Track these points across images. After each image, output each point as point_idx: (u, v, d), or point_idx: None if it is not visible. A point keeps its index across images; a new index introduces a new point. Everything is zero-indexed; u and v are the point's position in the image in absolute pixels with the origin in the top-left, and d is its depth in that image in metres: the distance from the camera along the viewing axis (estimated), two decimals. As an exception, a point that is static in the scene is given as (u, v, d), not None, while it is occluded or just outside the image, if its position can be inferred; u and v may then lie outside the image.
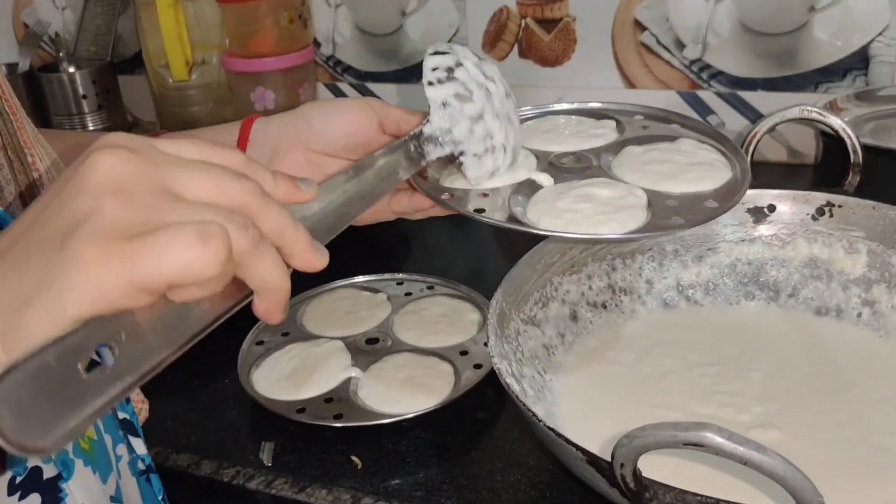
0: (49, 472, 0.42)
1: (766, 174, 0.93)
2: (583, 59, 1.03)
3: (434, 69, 0.53)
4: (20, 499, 0.40)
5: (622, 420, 0.52)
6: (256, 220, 0.33)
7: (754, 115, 0.98)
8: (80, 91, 1.19)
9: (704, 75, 0.99)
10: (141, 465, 0.52)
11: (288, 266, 0.35)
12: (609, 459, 0.39)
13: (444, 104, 0.52)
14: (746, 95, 0.98)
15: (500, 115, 0.54)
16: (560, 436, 0.42)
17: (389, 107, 0.57)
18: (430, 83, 0.53)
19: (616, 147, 0.60)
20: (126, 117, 1.29)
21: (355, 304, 0.72)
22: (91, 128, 1.22)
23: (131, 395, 0.58)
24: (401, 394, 0.60)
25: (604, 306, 0.66)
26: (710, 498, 0.37)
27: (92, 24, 1.27)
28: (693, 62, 0.98)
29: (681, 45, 0.98)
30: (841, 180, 0.69)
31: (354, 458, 0.57)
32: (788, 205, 0.66)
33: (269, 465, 0.57)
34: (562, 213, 0.52)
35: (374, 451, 0.58)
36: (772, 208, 0.66)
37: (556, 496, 0.53)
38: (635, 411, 0.56)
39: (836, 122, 0.66)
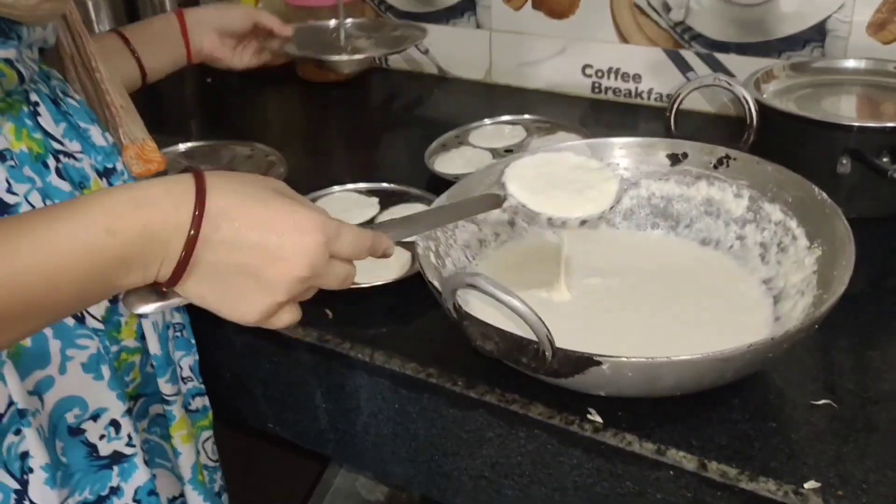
0: None
1: (697, 121, 1.11)
2: (585, 14, 1.18)
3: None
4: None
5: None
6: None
7: (727, 74, 1.12)
8: (167, 6, 1.41)
9: (686, 36, 1.13)
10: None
11: None
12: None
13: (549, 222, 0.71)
14: (721, 57, 1.12)
15: None
16: (428, 280, 0.63)
17: (266, 15, 1.04)
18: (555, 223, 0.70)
19: None
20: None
21: (350, 205, 0.92)
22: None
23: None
24: (369, 270, 0.81)
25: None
26: (490, 324, 0.58)
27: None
28: (677, 24, 1.13)
29: (667, 8, 1.12)
30: (743, 135, 0.84)
31: (327, 311, 0.78)
32: (698, 153, 0.82)
33: (267, 310, 0.79)
34: None
35: (342, 308, 0.79)
36: (685, 155, 0.83)
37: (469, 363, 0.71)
38: (520, 288, 0.73)
39: (739, 90, 0.82)
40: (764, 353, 0.58)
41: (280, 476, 1.21)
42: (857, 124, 0.81)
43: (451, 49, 1.32)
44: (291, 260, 0.50)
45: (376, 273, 0.80)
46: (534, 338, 0.56)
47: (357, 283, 0.79)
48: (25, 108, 0.63)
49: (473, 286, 0.55)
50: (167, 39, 0.98)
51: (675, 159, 0.82)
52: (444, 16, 1.30)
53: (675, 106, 0.87)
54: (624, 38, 1.17)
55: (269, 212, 0.50)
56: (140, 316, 0.67)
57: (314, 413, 0.80)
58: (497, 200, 0.70)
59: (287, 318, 0.53)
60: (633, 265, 0.78)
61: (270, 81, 1.37)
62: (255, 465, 1.18)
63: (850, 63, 0.98)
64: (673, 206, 0.82)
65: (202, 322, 0.80)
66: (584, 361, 0.56)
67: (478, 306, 0.66)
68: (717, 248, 0.79)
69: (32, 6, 0.57)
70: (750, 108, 0.81)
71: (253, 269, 0.50)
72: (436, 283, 0.64)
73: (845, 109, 0.91)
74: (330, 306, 0.79)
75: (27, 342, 0.61)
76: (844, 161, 0.83)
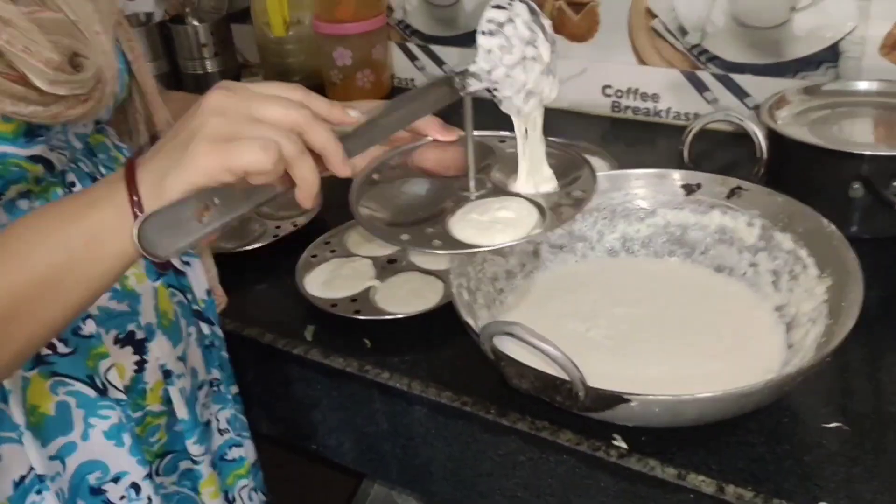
0: (139, 335, 0.68)
1: (715, 140, 1.13)
2: (604, 37, 1.22)
3: (489, 21, 0.63)
4: (121, 348, 0.67)
5: (537, 324, 0.64)
6: (305, 136, 0.52)
7: (742, 95, 1.16)
8: (202, 40, 1.47)
9: (703, 58, 1.17)
10: (206, 341, 0.78)
11: (327, 171, 0.54)
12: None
13: (489, 51, 0.63)
14: (737, 77, 1.15)
15: (535, 66, 0.64)
16: (464, 320, 0.68)
17: None
18: (483, 32, 0.63)
19: None
20: (237, 59, 1.56)
21: (385, 233, 0.97)
22: (209, 70, 1.50)
23: (214, 278, 0.84)
24: (404, 300, 0.86)
25: (561, 248, 0.89)
26: (527, 365, 0.62)
27: (213, -19, 1.54)
28: (693, 47, 1.17)
29: (684, 32, 1.16)
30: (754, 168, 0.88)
31: (366, 340, 0.84)
32: (711, 184, 0.85)
33: (310, 340, 0.85)
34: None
35: (380, 337, 0.84)
36: (699, 186, 0.86)
37: (501, 391, 0.77)
38: (549, 319, 0.79)
39: (749, 125, 0.85)
40: (780, 387, 0.62)
41: (320, 487, 1.27)
42: (867, 153, 0.85)
43: (474, 71, 1.36)
44: (200, 108, 0.51)
45: (412, 304, 0.85)
46: (567, 378, 0.60)
47: (394, 314, 0.84)
48: (59, 191, 0.63)
49: (511, 334, 0.59)
50: None
51: (689, 189, 0.86)
52: (467, 39, 1.35)
53: (688, 140, 0.91)
54: (642, 60, 1.21)
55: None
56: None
57: (355, 436, 0.85)
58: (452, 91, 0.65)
59: (245, 149, 0.49)
60: (654, 293, 0.82)
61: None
62: (295, 476, 1.24)
63: (863, 85, 1.01)
64: (688, 234, 0.86)
65: (255, 351, 0.85)
66: (615, 399, 0.61)
67: (512, 341, 0.70)
68: (731, 274, 0.83)
69: (54, 115, 0.57)
70: (760, 143, 0.85)
71: (178, 137, 0.51)
72: (470, 322, 0.69)
73: (859, 134, 0.95)
74: (369, 336, 0.84)
75: (51, 411, 0.63)
76: (856, 185, 0.87)
